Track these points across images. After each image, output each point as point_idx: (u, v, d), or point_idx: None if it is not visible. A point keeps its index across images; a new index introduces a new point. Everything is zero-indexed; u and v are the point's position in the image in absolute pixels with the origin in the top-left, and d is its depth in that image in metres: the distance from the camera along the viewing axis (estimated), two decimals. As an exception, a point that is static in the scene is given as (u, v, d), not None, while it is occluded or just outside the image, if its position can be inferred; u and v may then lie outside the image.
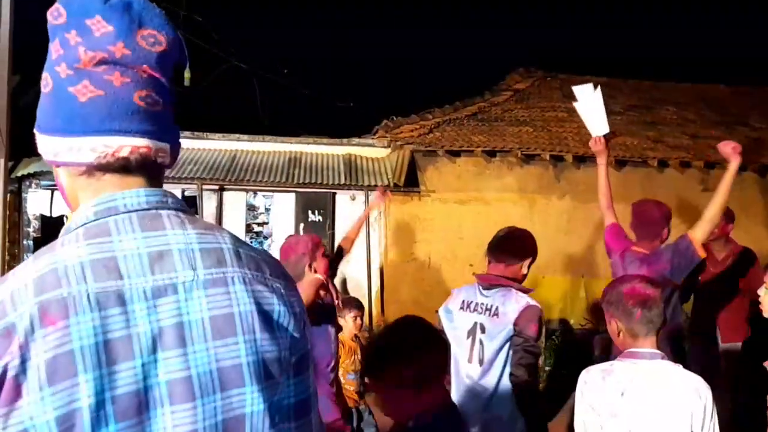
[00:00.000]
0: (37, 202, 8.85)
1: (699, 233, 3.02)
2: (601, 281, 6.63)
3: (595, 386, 1.94)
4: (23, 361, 0.78)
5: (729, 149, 3.00)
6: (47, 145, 0.93)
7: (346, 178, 8.08)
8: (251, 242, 8.56)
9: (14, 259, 8.34)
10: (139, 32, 0.92)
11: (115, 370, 0.81)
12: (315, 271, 2.79)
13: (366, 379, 1.66)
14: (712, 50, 14.51)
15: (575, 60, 11.99)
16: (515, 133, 8.67)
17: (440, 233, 8.25)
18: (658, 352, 1.95)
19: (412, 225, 8.28)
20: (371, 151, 8.77)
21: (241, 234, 8.27)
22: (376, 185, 7.97)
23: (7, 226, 7.39)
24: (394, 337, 1.70)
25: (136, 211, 0.91)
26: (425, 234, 8.32)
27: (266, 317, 0.92)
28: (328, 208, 8.32)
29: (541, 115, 9.23)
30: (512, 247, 2.60)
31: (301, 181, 7.94)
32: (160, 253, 0.88)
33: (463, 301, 2.56)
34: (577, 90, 3.47)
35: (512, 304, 2.46)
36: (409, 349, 1.60)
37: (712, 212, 2.98)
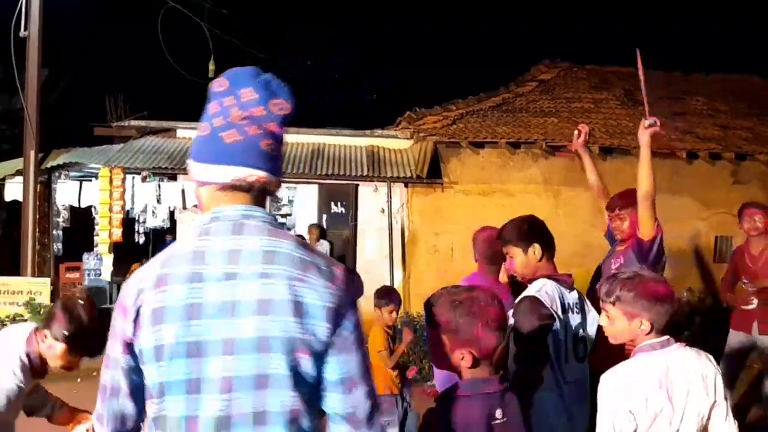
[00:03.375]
0: (66, 193, 9.00)
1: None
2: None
3: (628, 387, 1.92)
4: (144, 308, 1.26)
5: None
6: (200, 169, 1.35)
7: (368, 170, 8.08)
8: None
9: (44, 248, 8.51)
10: (273, 101, 1.34)
11: (189, 324, 1.24)
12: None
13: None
14: (744, 42, 14.12)
15: (602, 51, 11.78)
16: (540, 124, 8.57)
17: (463, 225, 8.18)
18: (671, 338, 1.99)
19: (435, 217, 8.26)
20: (394, 142, 8.74)
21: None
22: (399, 177, 7.97)
23: (38, 216, 7.56)
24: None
25: (231, 221, 1.31)
26: (448, 226, 8.28)
27: (298, 306, 1.25)
28: (350, 199, 8.33)
29: (566, 106, 9.10)
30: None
31: (324, 173, 7.96)
32: (233, 251, 1.28)
33: (563, 304, 2.38)
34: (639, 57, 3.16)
35: (584, 298, 2.51)
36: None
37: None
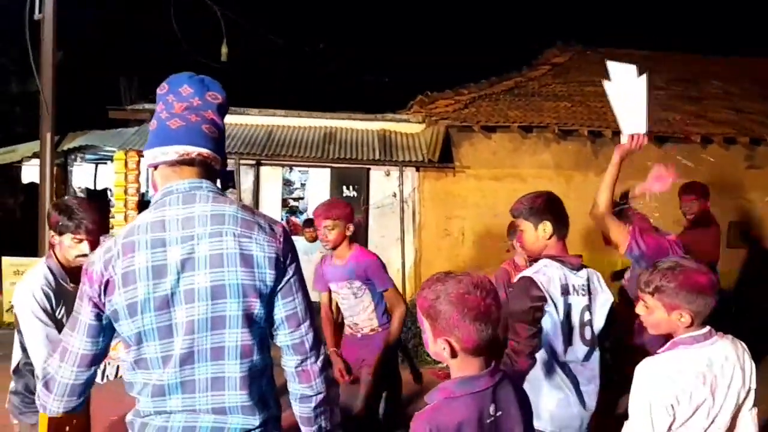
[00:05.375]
0: (82, 176, 9.14)
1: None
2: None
3: (670, 381, 1.86)
4: (115, 273, 1.50)
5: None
6: (151, 154, 1.61)
7: (380, 154, 8.10)
8: (287, 216, 8.69)
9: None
10: (207, 93, 1.63)
11: (157, 282, 1.50)
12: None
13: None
14: (761, 23, 13.86)
15: (616, 33, 11.63)
16: (552, 108, 8.52)
17: (475, 209, 8.22)
18: (712, 329, 1.94)
19: (446, 201, 8.27)
20: (406, 126, 8.74)
21: (277, 208, 8.40)
22: (410, 161, 7.99)
23: (55, 199, 7.66)
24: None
25: (182, 192, 1.57)
26: (460, 210, 8.30)
27: (245, 258, 1.53)
28: (362, 183, 8.37)
29: (579, 90, 9.03)
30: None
31: (336, 157, 7.99)
32: (188, 217, 1.54)
33: (564, 286, 2.32)
34: (612, 67, 2.70)
35: (596, 279, 2.46)
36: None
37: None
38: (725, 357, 1.89)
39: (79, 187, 9.35)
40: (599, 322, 2.43)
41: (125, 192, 8.06)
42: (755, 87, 9.66)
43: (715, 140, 8.44)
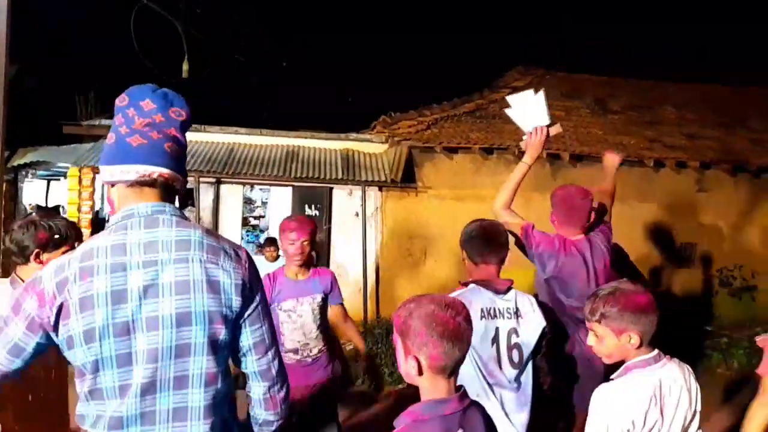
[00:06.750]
0: (33, 192, 8.85)
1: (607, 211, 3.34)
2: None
3: (626, 405, 1.89)
4: (70, 298, 1.41)
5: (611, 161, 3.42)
6: (108, 171, 1.53)
7: (343, 173, 8.08)
8: (248, 235, 8.56)
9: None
10: (171, 109, 1.55)
11: (117, 307, 1.42)
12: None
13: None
14: (715, 50, 14.47)
15: (575, 58, 11.97)
16: (513, 131, 8.64)
17: (437, 229, 8.26)
18: (661, 353, 1.98)
19: (408, 221, 8.30)
20: (369, 146, 8.76)
21: (237, 227, 8.28)
22: (373, 180, 7.99)
23: (3, 216, 7.38)
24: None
25: (144, 216, 1.51)
26: (422, 230, 8.33)
27: (212, 284, 1.50)
28: (324, 202, 8.32)
29: (539, 113, 9.22)
30: (504, 247, 2.55)
31: (298, 175, 7.94)
32: (151, 242, 1.48)
33: (482, 309, 2.36)
34: (512, 99, 3.16)
35: (527, 303, 2.46)
36: None
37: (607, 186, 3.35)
38: (674, 379, 1.95)
39: (30, 204, 9.04)
40: (530, 345, 2.43)
41: (79, 209, 7.83)
42: (708, 112, 10.05)
43: (668, 164, 8.72)
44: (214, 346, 1.50)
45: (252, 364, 1.60)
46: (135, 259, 1.45)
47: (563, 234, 3.12)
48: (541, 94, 3.07)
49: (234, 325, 1.54)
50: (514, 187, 3.08)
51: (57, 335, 1.44)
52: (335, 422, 3.33)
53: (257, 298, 1.58)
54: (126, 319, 1.43)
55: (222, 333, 1.51)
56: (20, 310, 1.45)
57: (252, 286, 1.57)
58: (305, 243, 3.21)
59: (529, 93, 3.11)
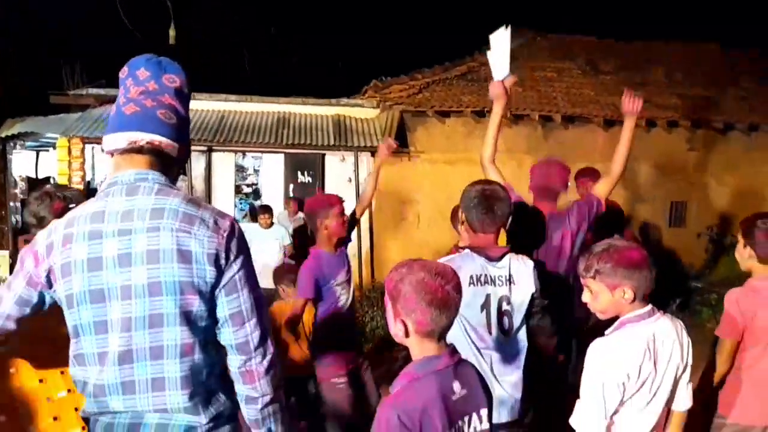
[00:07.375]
0: (22, 163, 8.77)
1: (604, 189, 3.13)
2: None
3: (620, 358, 1.93)
4: (55, 263, 1.48)
5: (629, 106, 3.10)
6: (105, 140, 1.55)
7: (335, 139, 8.06)
8: (241, 203, 8.57)
9: (1, 220, 8.30)
10: (164, 76, 1.57)
11: (93, 275, 1.46)
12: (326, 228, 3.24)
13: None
14: (706, 8, 14.35)
15: (565, 19, 11.85)
16: (504, 93, 8.63)
17: (429, 194, 8.29)
18: (655, 308, 2.02)
19: (401, 186, 8.32)
20: (360, 111, 8.72)
21: (230, 195, 8.27)
22: (365, 146, 7.98)
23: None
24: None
25: (126, 184, 1.52)
26: (414, 195, 8.36)
27: (183, 254, 1.46)
28: (317, 168, 8.32)
29: (530, 75, 9.19)
30: (505, 215, 2.49)
31: (290, 142, 7.91)
32: (128, 210, 1.49)
33: (471, 276, 2.34)
34: (493, 37, 3.22)
35: (522, 268, 2.44)
36: None
37: (616, 170, 3.09)
38: (666, 333, 1.99)
39: (20, 176, 8.98)
40: (521, 311, 2.44)
41: (69, 181, 7.78)
42: (698, 72, 10.02)
43: (659, 124, 8.73)
44: (188, 316, 1.47)
45: (229, 336, 1.54)
46: (111, 227, 1.47)
47: (537, 205, 3.17)
48: (507, 33, 3.16)
49: (209, 295, 1.50)
50: (493, 140, 3.19)
51: (55, 295, 1.52)
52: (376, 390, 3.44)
53: (234, 267, 1.52)
54: (101, 286, 1.45)
55: (195, 304, 1.48)
56: (23, 267, 1.55)
57: (228, 256, 1.51)
58: (348, 219, 3.38)
59: (500, 31, 3.18)
